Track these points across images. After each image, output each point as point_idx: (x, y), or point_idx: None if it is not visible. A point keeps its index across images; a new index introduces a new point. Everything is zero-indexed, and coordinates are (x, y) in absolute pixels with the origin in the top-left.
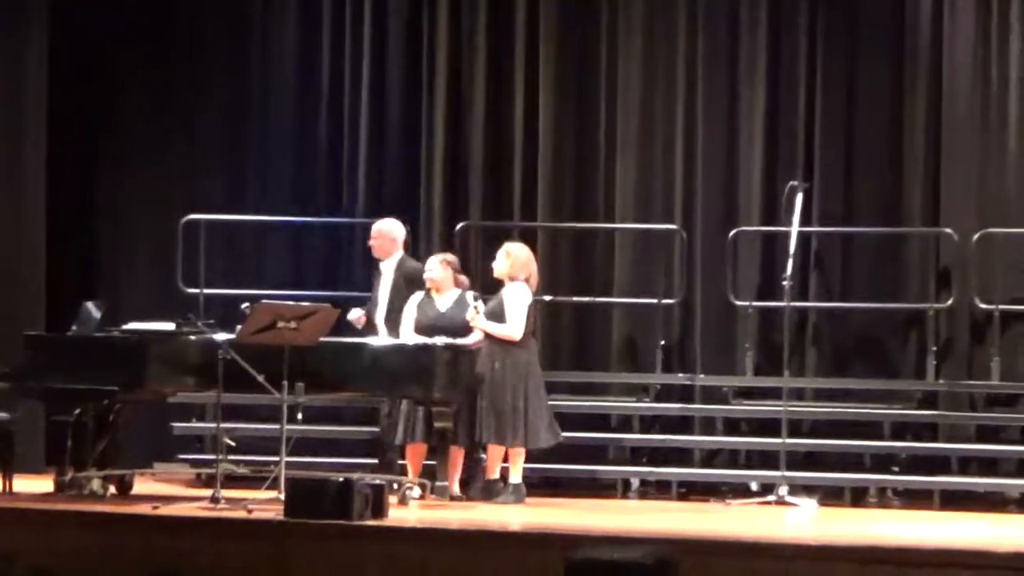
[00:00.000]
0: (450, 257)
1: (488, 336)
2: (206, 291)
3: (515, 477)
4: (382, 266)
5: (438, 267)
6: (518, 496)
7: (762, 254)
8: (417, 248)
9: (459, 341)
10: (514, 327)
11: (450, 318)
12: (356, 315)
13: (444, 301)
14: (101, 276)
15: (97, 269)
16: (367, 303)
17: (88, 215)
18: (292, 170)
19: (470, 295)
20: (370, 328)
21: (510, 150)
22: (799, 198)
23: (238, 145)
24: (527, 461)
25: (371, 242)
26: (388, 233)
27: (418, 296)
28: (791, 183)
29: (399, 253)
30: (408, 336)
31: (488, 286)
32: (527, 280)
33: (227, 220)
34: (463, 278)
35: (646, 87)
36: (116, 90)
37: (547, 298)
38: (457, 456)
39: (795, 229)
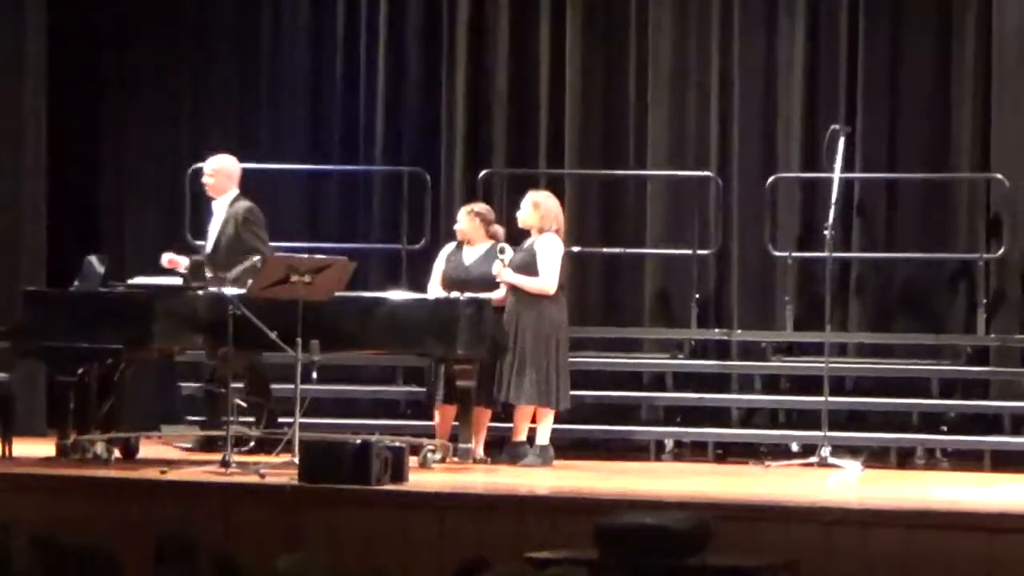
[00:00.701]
0: (480, 207)
1: (515, 290)
2: None
3: (543, 439)
4: (214, 205)
5: (465, 218)
6: (545, 459)
7: (802, 202)
8: (437, 197)
9: (482, 296)
10: (547, 280)
11: (474, 272)
12: (167, 258)
13: (472, 254)
14: (105, 228)
15: (101, 221)
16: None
17: (92, 165)
18: (306, 117)
19: (502, 247)
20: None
21: (535, 94)
22: (841, 142)
23: (249, 93)
24: (554, 422)
25: (204, 180)
26: (223, 170)
27: (449, 247)
28: (833, 127)
29: (233, 191)
30: (434, 290)
31: (512, 237)
32: (557, 231)
33: None
34: (497, 229)
35: (679, 27)
36: (122, 38)
37: (575, 249)
38: (482, 417)
39: (837, 175)
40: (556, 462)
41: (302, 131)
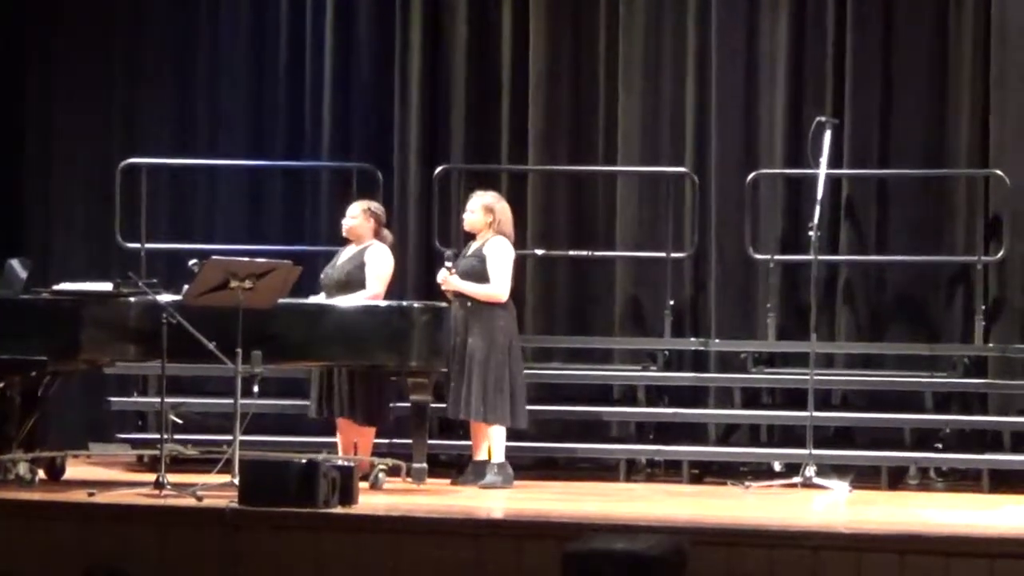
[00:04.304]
0: (376, 206)
1: (462, 298)
2: (148, 246)
3: (498, 456)
4: None
5: (360, 215)
6: (505, 478)
7: (786, 200)
8: (390, 196)
9: (341, 300)
10: (499, 287)
11: (334, 275)
12: None
13: (345, 255)
14: (28, 230)
15: (24, 222)
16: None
17: (14, 162)
18: (247, 109)
19: (448, 254)
20: None
21: (497, 81)
22: (828, 136)
23: (186, 83)
24: (512, 439)
25: None
26: None
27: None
28: (819, 119)
29: None
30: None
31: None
32: (508, 236)
33: (173, 164)
34: (387, 233)
35: (652, 10)
36: (48, 22)
37: (539, 252)
38: (366, 435)
39: (823, 172)
40: (519, 483)
41: (243, 124)
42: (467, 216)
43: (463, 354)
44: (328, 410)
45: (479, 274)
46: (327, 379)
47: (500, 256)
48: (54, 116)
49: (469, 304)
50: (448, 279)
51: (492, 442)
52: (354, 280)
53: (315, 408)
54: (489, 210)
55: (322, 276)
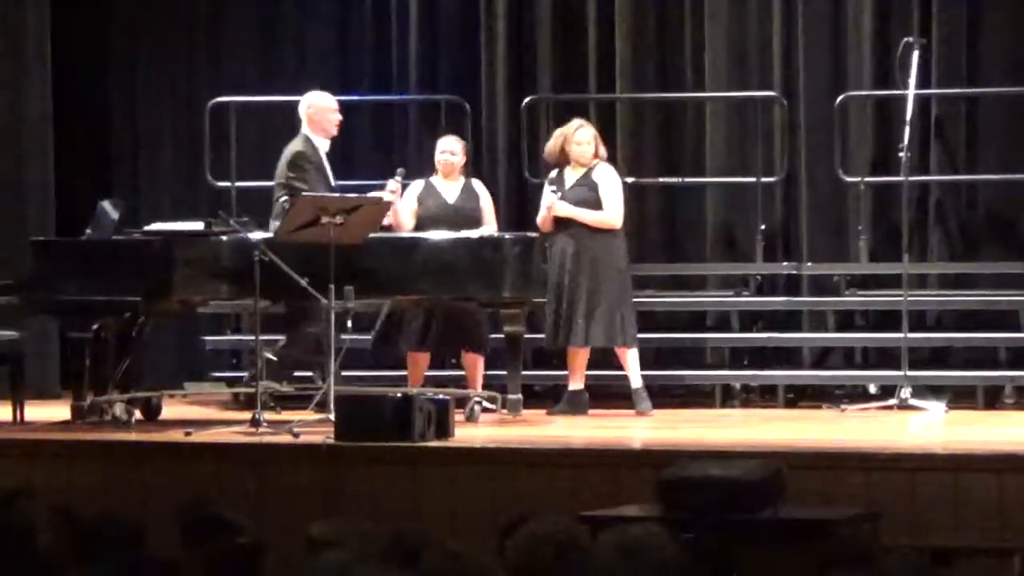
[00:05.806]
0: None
1: (575, 226)
2: (238, 184)
3: (639, 379)
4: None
5: (462, 152)
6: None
7: (875, 122)
8: (478, 127)
9: (470, 233)
10: (615, 212)
11: (464, 207)
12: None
13: (451, 190)
14: (118, 171)
15: (113, 162)
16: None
17: (102, 102)
18: (333, 44)
19: (552, 179)
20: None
21: (582, 11)
22: (916, 56)
23: (271, 17)
24: (606, 368)
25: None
26: None
27: (418, 186)
28: (906, 39)
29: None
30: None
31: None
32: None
33: (260, 102)
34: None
35: None
36: None
37: (630, 180)
38: (475, 363)
39: (912, 92)
40: (613, 411)
41: (330, 59)
42: (579, 148)
43: (576, 281)
44: (432, 345)
45: (592, 203)
46: (422, 314)
47: (613, 182)
48: (140, 60)
49: (583, 233)
50: (557, 204)
51: (631, 363)
52: (472, 216)
53: (417, 341)
54: (599, 140)
55: (427, 212)
